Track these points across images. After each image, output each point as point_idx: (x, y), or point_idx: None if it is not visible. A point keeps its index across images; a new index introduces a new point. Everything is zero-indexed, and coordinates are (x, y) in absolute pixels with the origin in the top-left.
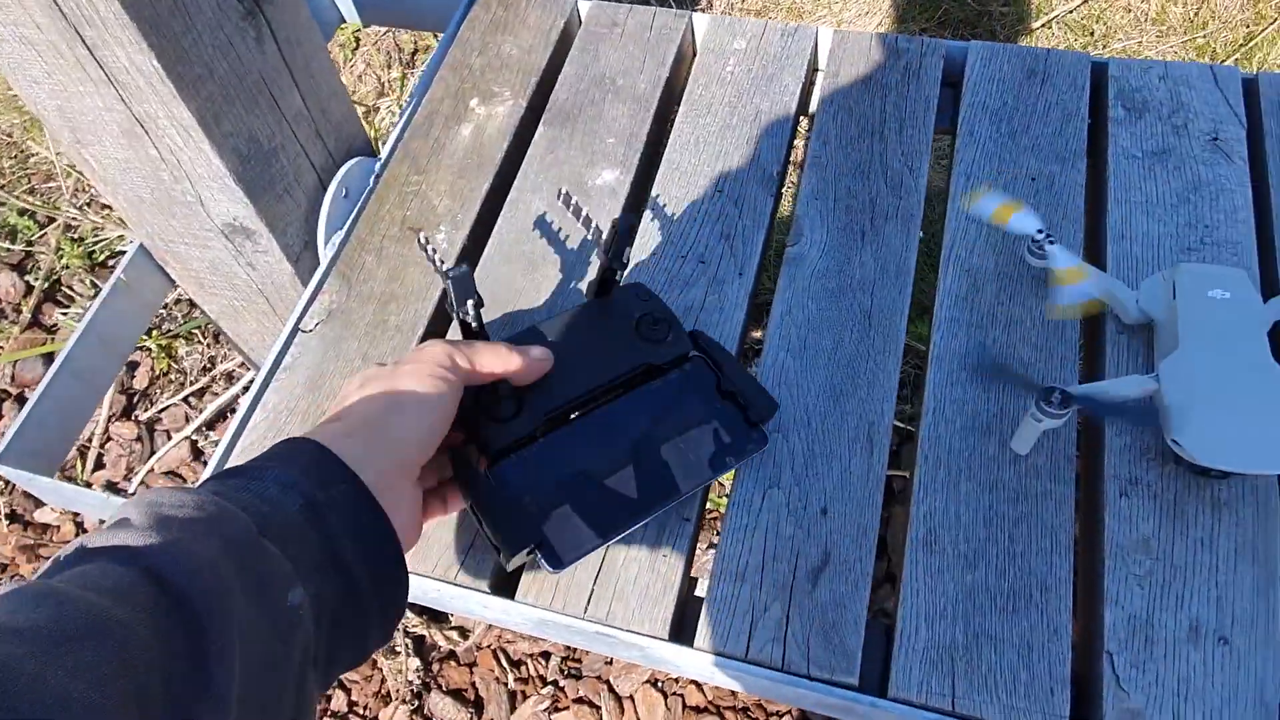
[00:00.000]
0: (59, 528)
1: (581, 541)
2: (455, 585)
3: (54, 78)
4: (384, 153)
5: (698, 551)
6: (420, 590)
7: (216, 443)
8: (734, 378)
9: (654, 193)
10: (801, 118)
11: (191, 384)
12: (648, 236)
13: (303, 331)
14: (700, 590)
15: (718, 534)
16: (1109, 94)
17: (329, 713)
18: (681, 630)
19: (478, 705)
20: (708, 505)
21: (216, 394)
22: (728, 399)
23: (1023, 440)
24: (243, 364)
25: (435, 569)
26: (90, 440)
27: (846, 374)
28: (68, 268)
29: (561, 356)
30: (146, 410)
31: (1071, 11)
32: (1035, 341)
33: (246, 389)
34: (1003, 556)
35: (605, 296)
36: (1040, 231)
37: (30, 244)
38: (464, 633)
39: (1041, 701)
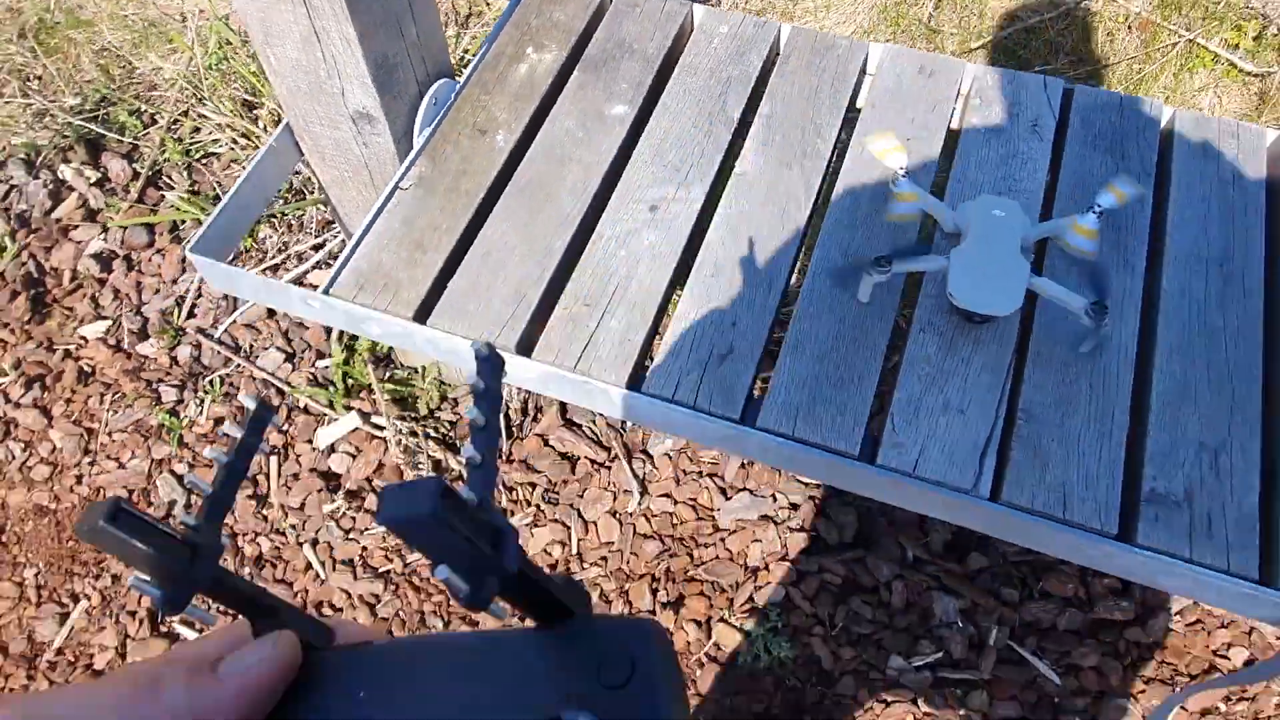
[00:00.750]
0: (156, 359)
1: None
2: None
3: None
4: (463, 78)
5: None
6: (451, 348)
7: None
8: None
9: (650, 124)
10: (762, 85)
11: (269, 260)
12: (644, 156)
13: (400, 189)
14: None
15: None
16: (972, 90)
17: (346, 531)
18: (636, 384)
19: None
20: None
21: (289, 269)
22: None
23: (863, 291)
24: (314, 246)
25: (470, 330)
26: (186, 293)
27: (763, 247)
28: (168, 160)
29: None
30: None
31: (1006, 38)
32: (887, 238)
33: (317, 266)
34: (840, 358)
35: (546, 628)
36: (901, 169)
37: (137, 139)
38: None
39: (847, 433)
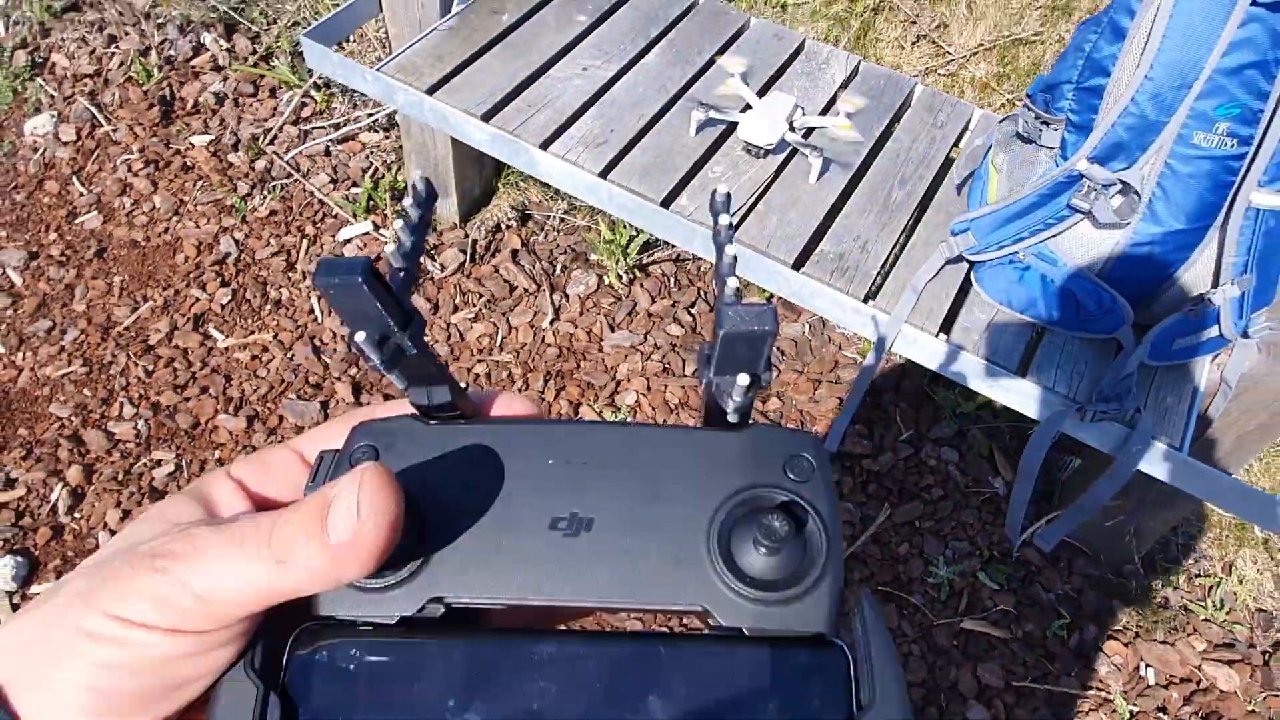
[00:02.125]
0: (239, 165)
1: None
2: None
3: None
4: None
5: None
6: (441, 115)
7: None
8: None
9: (601, 28)
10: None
11: (339, 118)
12: (588, 43)
13: (436, 30)
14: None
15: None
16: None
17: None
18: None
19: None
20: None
21: (352, 120)
22: None
23: (691, 127)
24: (370, 126)
25: (459, 103)
26: (271, 128)
27: (648, 96)
28: (280, 46)
29: (540, 508)
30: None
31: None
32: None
33: (371, 128)
34: (667, 160)
35: (721, 429)
36: (737, 73)
37: (261, 31)
38: None
39: (661, 191)
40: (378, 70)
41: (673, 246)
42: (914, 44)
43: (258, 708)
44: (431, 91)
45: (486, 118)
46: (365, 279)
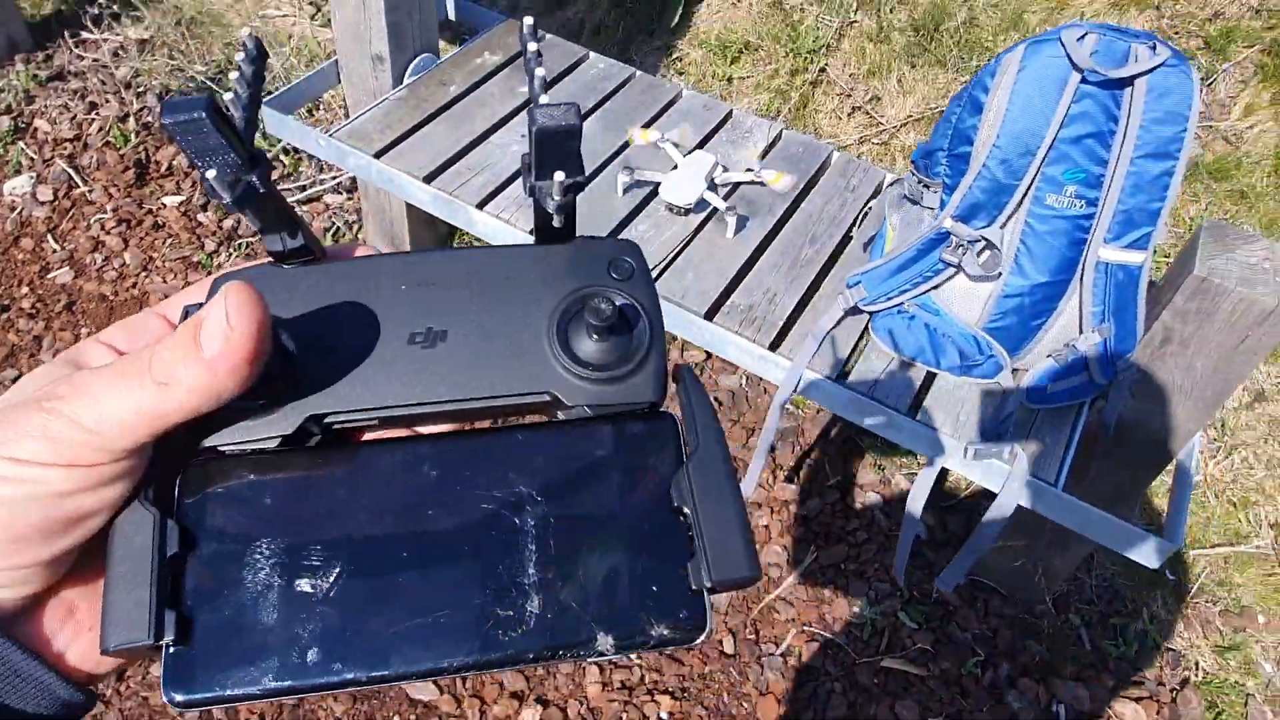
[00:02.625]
0: (207, 224)
1: (238, 678)
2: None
3: None
4: (444, 55)
5: None
6: (388, 178)
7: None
8: (710, 494)
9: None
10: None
11: (305, 181)
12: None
13: (388, 99)
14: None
15: None
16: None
17: None
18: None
19: None
20: None
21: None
22: (677, 520)
23: (619, 187)
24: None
25: (405, 168)
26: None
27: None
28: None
29: (397, 328)
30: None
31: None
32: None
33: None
34: (600, 214)
35: (551, 243)
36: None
37: None
38: None
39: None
40: (330, 135)
41: None
42: (849, 115)
43: (156, 533)
44: (379, 155)
45: (428, 179)
46: (209, 115)
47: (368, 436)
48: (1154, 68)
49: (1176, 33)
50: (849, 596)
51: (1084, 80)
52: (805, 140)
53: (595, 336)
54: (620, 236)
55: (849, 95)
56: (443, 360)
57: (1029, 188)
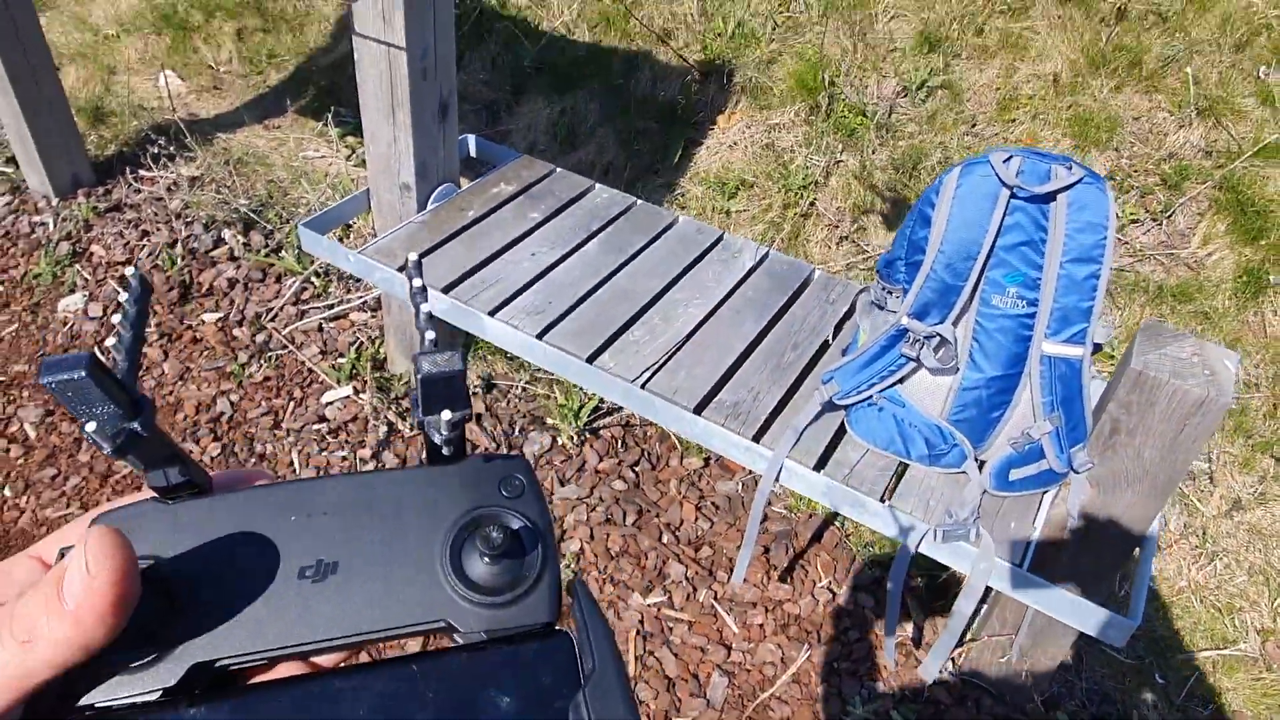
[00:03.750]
0: (241, 339)
1: None
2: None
3: None
4: (464, 186)
5: None
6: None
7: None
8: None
9: (546, 225)
10: (611, 221)
11: (333, 299)
12: (534, 238)
13: (412, 222)
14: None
15: None
16: (720, 244)
17: None
18: (492, 314)
19: None
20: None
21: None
22: None
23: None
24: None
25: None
26: (273, 307)
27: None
28: (290, 241)
29: (286, 562)
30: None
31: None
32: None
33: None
34: (602, 319)
35: (441, 464)
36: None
37: (275, 229)
38: None
39: (585, 347)
40: (359, 253)
41: (621, 410)
42: (838, 244)
43: None
44: (401, 269)
45: (446, 290)
46: (90, 373)
47: (261, 674)
48: (1072, 184)
49: (1135, 170)
50: (842, 695)
51: (1014, 195)
52: (789, 260)
53: (488, 560)
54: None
55: (837, 226)
56: (334, 594)
57: (975, 289)
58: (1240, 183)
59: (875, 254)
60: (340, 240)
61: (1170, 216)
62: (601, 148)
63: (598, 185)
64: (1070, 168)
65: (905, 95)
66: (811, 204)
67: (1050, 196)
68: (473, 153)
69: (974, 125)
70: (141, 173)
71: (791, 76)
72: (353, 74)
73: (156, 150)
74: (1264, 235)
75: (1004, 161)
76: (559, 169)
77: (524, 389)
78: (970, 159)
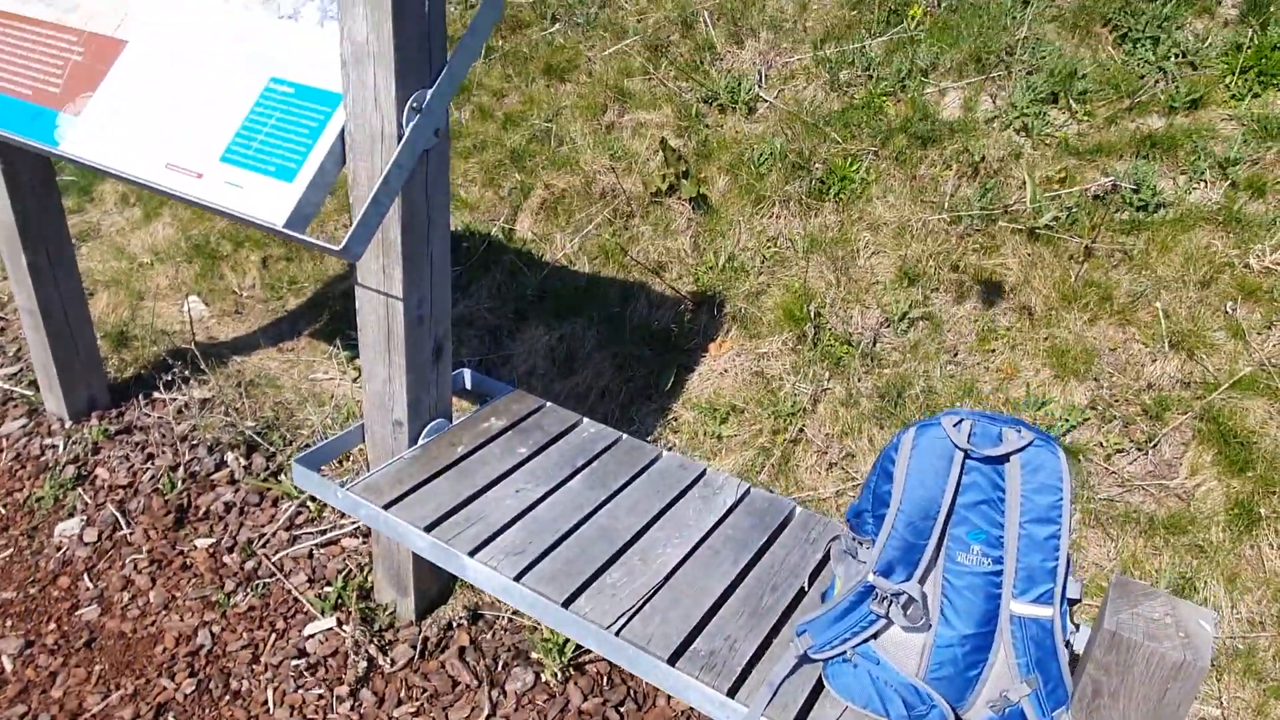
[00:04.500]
0: (231, 566)
1: None
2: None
3: None
4: (455, 420)
5: None
6: (393, 526)
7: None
8: None
9: (536, 459)
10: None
11: (326, 524)
12: (522, 473)
13: (400, 458)
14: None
15: None
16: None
17: None
18: (473, 554)
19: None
20: None
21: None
22: None
23: None
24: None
25: (409, 519)
26: (265, 533)
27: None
28: (290, 465)
29: None
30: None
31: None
32: None
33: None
34: (579, 562)
35: None
36: None
37: (277, 451)
38: None
39: (561, 591)
40: (347, 489)
41: None
42: (828, 470)
43: None
44: (388, 507)
45: (429, 529)
46: None
47: None
48: (1022, 447)
49: (1116, 400)
50: None
51: (968, 456)
52: (770, 497)
53: None
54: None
55: (825, 453)
56: None
57: (939, 547)
58: (1220, 414)
59: (863, 483)
60: (342, 468)
61: (1155, 446)
62: (598, 373)
63: (585, 420)
64: (1020, 431)
65: (888, 326)
66: (800, 430)
67: (1003, 458)
68: (468, 385)
69: (955, 355)
70: (156, 395)
71: (779, 307)
72: None
73: (172, 375)
74: (1250, 467)
75: (955, 425)
76: (549, 404)
77: (510, 619)
78: (923, 421)
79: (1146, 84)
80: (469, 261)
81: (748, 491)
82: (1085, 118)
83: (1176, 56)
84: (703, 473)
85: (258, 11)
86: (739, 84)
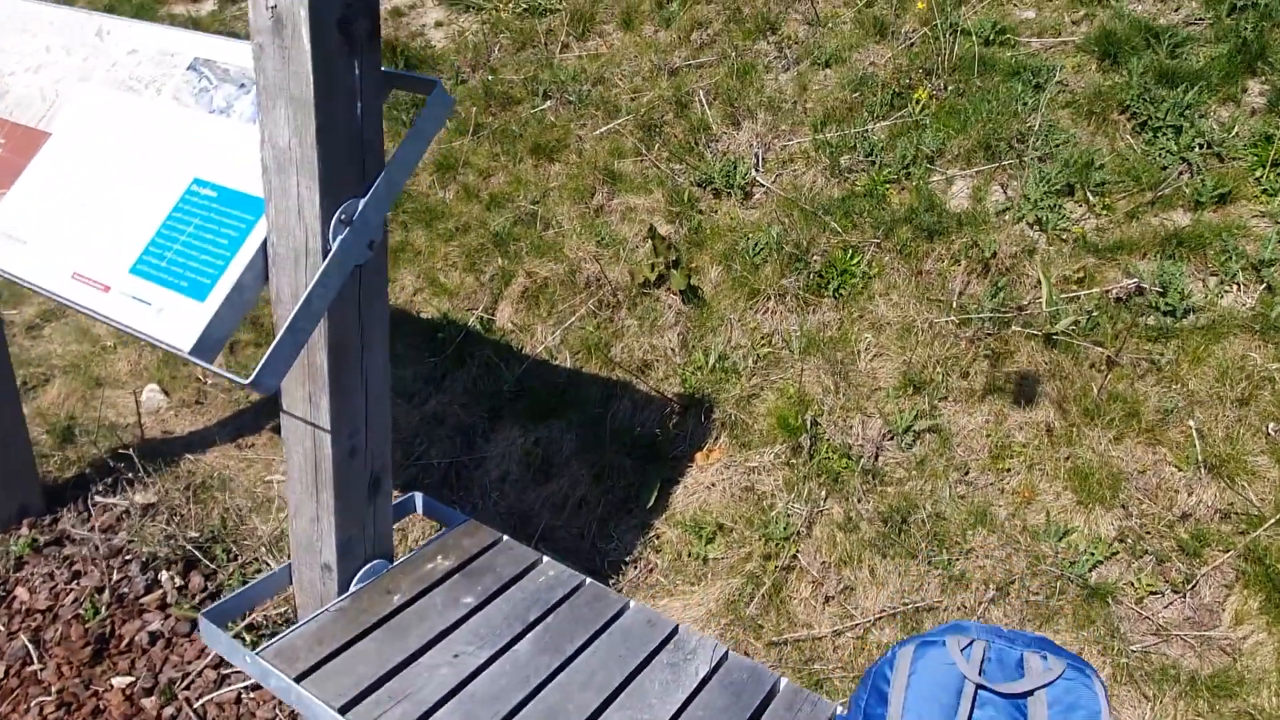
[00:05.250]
0: (149, 711)
1: None
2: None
3: None
4: (396, 561)
5: None
6: (305, 703)
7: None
8: None
9: (484, 611)
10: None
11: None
12: (465, 629)
13: (326, 611)
14: None
15: None
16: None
17: None
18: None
19: None
20: None
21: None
22: None
23: None
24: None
25: (325, 696)
26: (190, 672)
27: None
28: (231, 585)
29: None
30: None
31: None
32: None
33: None
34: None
35: None
36: None
37: (219, 568)
38: None
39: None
40: (258, 654)
41: None
42: (824, 604)
43: None
44: (300, 678)
45: (344, 710)
46: None
47: None
48: (1051, 681)
49: (1148, 532)
50: None
51: (982, 688)
52: (751, 667)
53: None
54: None
55: (821, 584)
56: None
57: None
58: (1267, 554)
59: (864, 621)
60: (269, 609)
61: (1194, 588)
62: (575, 482)
63: (545, 560)
64: (1046, 658)
65: (891, 438)
66: (794, 556)
67: (1027, 694)
68: (419, 511)
69: (966, 473)
70: (98, 497)
71: (772, 414)
72: None
73: (115, 476)
74: None
75: (963, 650)
76: (506, 538)
77: None
78: (923, 637)
79: (1169, 176)
80: (444, 353)
81: (725, 657)
82: (1104, 211)
83: (1201, 147)
84: (673, 632)
85: (190, 105)
86: (734, 167)
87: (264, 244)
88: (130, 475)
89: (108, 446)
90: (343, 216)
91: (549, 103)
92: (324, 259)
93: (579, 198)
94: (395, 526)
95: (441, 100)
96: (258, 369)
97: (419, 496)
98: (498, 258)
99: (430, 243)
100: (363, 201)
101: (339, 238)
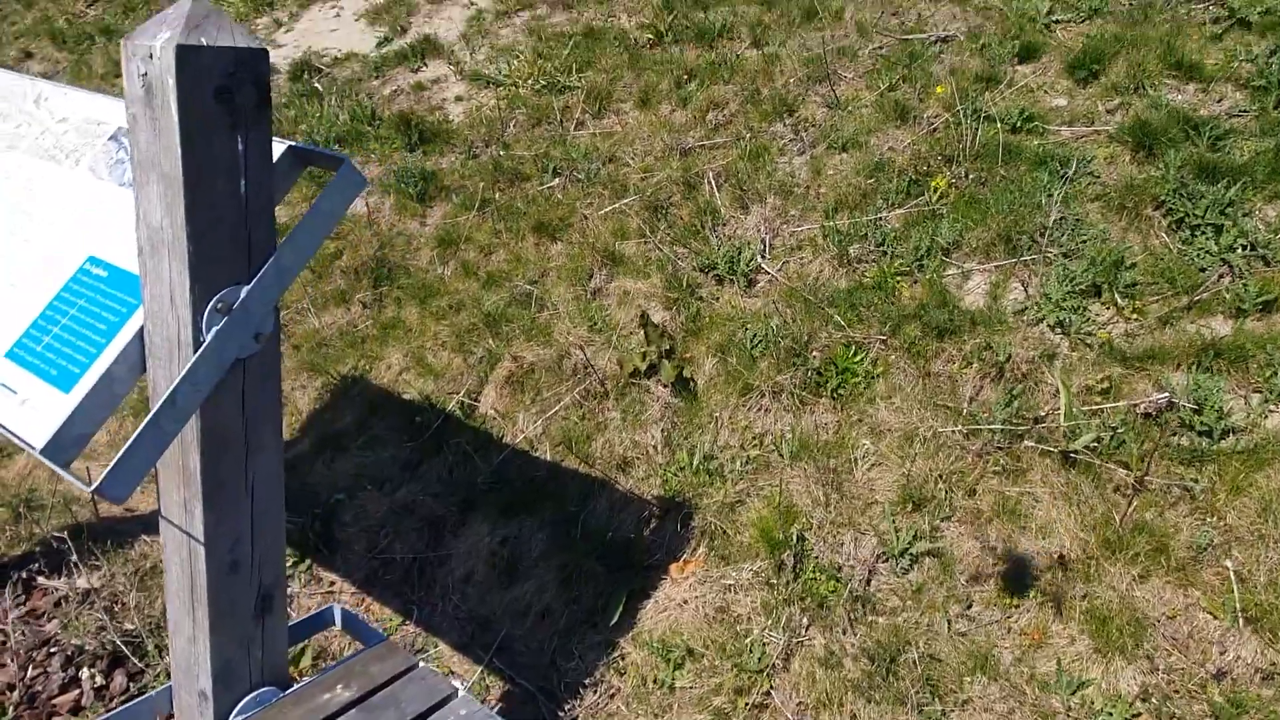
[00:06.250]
0: None
1: None
2: None
3: None
4: (293, 687)
5: None
6: None
7: None
8: None
9: None
10: None
11: None
12: None
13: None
14: None
15: None
16: None
17: None
18: None
19: None
20: None
21: None
22: None
23: None
24: None
25: None
26: None
27: None
28: (157, 685)
29: None
30: None
31: None
32: None
33: None
34: None
35: None
36: None
37: (149, 665)
38: None
39: None
40: None
41: None
42: None
43: None
44: None
45: None
46: None
47: None
48: None
49: (1176, 693)
50: None
51: None
52: None
53: None
54: None
55: None
56: None
57: None
58: None
59: None
60: None
61: None
62: (541, 587)
63: (460, 694)
64: None
65: (886, 560)
66: (768, 694)
67: None
68: (338, 625)
69: (968, 607)
70: (40, 579)
71: (756, 525)
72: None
73: (62, 557)
74: None
75: None
76: (422, 665)
77: None
78: None
79: (1208, 279)
80: (421, 439)
81: None
82: (1134, 315)
83: (1244, 248)
84: None
85: (104, 177)
86: (739, 253)
87: (139, 332)
88: (74, 558)
89: (60, 524)
90: (219, 305)
91: (557, 180)
92: (194, 351)
93: (576, 279)
94: (318, 637)
95: (350, 179)
96: (104, 474)
97: (338, 609)
98: (488, 338)
99: (422, 321)
100: (246, 289)
101: (214, 328)
